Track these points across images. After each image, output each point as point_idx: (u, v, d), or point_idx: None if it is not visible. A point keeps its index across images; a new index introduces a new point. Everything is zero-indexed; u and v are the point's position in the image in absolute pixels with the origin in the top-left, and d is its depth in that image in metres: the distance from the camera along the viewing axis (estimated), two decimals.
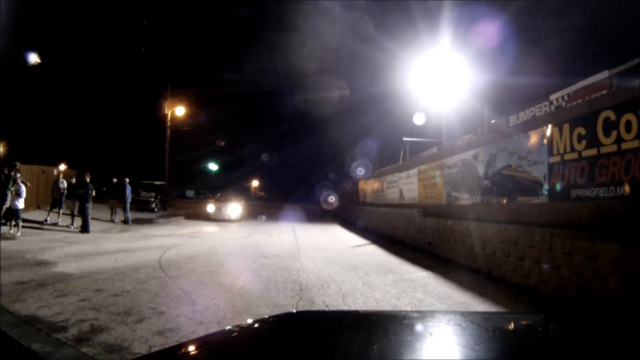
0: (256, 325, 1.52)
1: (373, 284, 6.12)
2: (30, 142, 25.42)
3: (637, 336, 1.38)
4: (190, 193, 55.74)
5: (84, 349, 3.31)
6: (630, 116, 5.00)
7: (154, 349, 3.31)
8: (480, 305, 5.02)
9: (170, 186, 28.20)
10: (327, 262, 8.16)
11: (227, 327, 1.41)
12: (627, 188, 5.01)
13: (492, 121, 11.31)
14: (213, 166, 55.00)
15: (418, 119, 14.89)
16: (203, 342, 1.29)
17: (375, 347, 1.17)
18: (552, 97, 9.22)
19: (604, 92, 7.52)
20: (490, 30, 15.51)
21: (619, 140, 5.15)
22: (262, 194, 61.32)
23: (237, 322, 4.05)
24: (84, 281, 5.79)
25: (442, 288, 5.99)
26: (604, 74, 7.98)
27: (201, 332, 3.75)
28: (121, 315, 4.21)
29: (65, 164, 22.72)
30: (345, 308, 4.77)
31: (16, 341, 3.43)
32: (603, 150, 5.38)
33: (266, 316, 1.55)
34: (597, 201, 5.37)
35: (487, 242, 7.12)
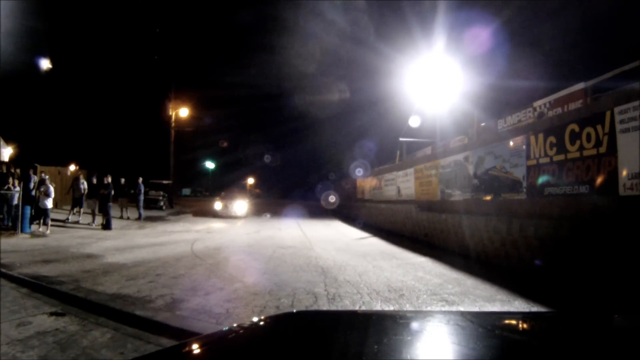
0: (256, 325, 1.54)
1: (381, 267, 7.35)
2: (40, 143, 26.33)
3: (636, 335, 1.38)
4: (186, 191, 56.55)
5: (177, 313, 4.45)
6: (589, 129, 6.24)
7: (230, 311, 4.47)
8: (469, 280, 6.27)
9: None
10: (338, 251, 9.39)
11: (227, 327, 1.44)
12: (587, 187, 6.26)
13: (482, 124, 12.56)
14: (210, 165, 55.77)
15: (413, 122, 16.04)
16: (203, 342, 1.31)
17: (376, 347, 1.17)
18: (536, 104, 10.48)
19: (580, 101, 8.81)
20: (480, 37, 16.69)
21: (581, 148, 6.40)
22: (257, 191, 62.26)
23: (283, 292, 5.26)
24: (140, 269, 6.87)
25: (439, 268, 7.25)
26: (580, 86, 9.23)
27: (258, 300, 4.93)
28: (190, 290, 5.36)
29: (75, 165, 23.68)
30: (362, 285, 5.93)
31: (120, 310, 4.55)
32: (569, 156, 6.63)
33: (268, 315, 1.53)
34: (564, 197, 6.63)
35: (476, 232, 8.35)
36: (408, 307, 4.82)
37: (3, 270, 6.75)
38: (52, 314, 4.44)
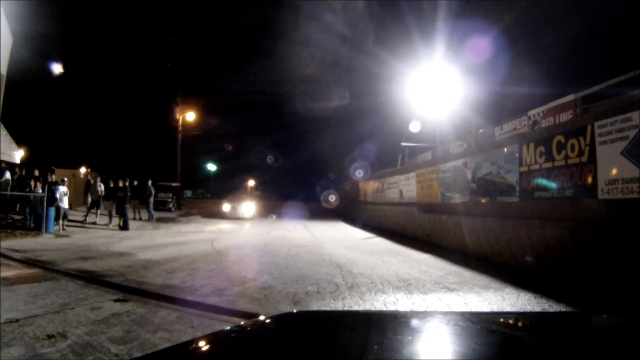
0: (256, 325, 1.55)
1: (389, 262, 8.22)
2: (50, 145, 27.14)
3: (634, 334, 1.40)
4: (187, 193, 57.19)
5: (224, 298, 5.27)
6: (573, 141, 7.10)
7: (268, 296, 5.30)
8: (467, 273, 7.13)
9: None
10: (348, 249, 10.27)
11: (227, 327, 1.45)
12: (571, 191, 7.12)
13: (480, 130, 13.41)
14: (212, 167, 56.40)
15: (414, 127, 16.89)
16: (203, 342, 1.32)
17: (376, 347, 1.18)
18: (530, 113, 11.34)
19: (570, 111, 9.68)
20: (479, 46, 17.50)
21: (566, 157, 7.27)
22: (257, 193, 62.91)
23: (307, 282, 6.10)
24: (174, 264, 7.65)
25: (440, 263, 8.14)
26: (571, 97, 10.08)
27: (289, 288, 5.76)
28: (227, 281, 6.18)
29: (85, 167, 24.48)
30: (374, 276, 6.77)
31: (173, 297, 5.36)
32: (556, 164, 7.50)
33: (269, 315, 1.60)
34: (552, 200, 7.51)
35: (473, 232, 9.21)
36: (416, 293, 5.65)
37: (48, 266, 7.57)
38: (116, 300, 5.22)
